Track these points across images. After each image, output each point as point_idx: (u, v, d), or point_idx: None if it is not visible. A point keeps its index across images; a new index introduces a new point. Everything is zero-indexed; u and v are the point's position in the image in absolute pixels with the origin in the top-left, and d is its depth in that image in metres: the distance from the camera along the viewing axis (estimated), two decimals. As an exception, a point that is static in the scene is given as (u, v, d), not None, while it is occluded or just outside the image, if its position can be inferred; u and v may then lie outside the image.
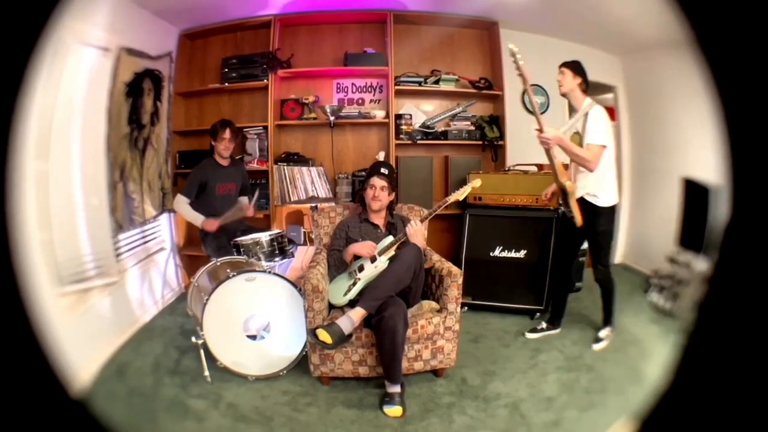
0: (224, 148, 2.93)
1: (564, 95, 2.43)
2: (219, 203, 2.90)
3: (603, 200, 2.41)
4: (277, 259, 2.56)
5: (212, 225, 2.82)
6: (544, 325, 2.75)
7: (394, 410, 1.98)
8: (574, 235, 2.59)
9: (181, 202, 2.87)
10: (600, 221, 2.43)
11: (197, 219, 2.84)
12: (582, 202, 2.43)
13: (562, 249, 2.76)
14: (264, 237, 2.55)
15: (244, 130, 3.52)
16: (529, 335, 2.71)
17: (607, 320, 2.62)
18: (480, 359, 2.48)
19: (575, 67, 2.39)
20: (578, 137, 2.39)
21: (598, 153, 2.33)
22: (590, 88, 2.46)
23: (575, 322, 2.86)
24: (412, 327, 2.14)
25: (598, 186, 2.41)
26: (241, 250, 2.53)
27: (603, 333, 2.60)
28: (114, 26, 2.59)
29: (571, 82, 2.38)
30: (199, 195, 2.90)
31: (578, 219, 2.42)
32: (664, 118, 3.16)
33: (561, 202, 2.56)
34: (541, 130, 2.29)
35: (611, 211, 2.45)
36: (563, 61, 2.42)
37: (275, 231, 2.66)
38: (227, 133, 2.90)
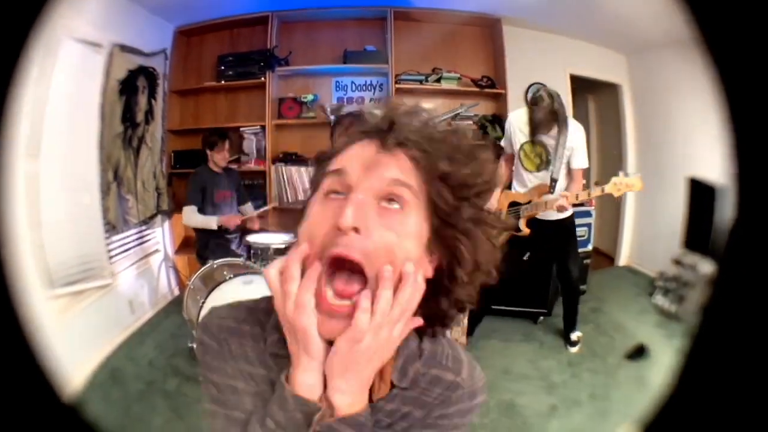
0: (222, 158, 2.87)
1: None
2: (216, 211, 2.83)
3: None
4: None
5: (234, 220, 2.76)
6: (579, 333, 2.61)
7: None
8: (544, 239, 2.54)
9: (190, 212, 2.75)
10: (570, 227, 2.49)
11: (211, 221, 2.74)
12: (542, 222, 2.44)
13: (548, 253, 2.69)
14: (278, 242, 2.47)
15: (241, 129, 3.46)
16: (572, 349, 2.57)
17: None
18: (482, 365, 2.43)
19: None
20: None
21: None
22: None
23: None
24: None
25: None
26: (251, 251, 2.46)
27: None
28: (107, 22, 2.53)
29: None
30: (202, 202, 2.81)
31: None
32: (669, 117, 3.12)
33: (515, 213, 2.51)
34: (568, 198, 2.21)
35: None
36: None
37: (291, 237, 2.59)
38: (227, 145, 2.85)
